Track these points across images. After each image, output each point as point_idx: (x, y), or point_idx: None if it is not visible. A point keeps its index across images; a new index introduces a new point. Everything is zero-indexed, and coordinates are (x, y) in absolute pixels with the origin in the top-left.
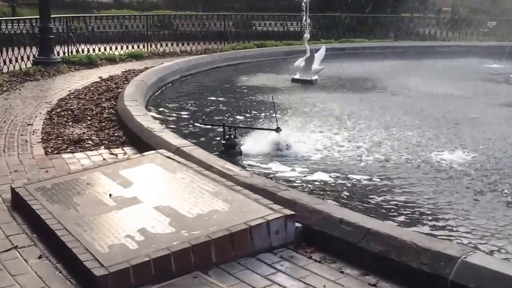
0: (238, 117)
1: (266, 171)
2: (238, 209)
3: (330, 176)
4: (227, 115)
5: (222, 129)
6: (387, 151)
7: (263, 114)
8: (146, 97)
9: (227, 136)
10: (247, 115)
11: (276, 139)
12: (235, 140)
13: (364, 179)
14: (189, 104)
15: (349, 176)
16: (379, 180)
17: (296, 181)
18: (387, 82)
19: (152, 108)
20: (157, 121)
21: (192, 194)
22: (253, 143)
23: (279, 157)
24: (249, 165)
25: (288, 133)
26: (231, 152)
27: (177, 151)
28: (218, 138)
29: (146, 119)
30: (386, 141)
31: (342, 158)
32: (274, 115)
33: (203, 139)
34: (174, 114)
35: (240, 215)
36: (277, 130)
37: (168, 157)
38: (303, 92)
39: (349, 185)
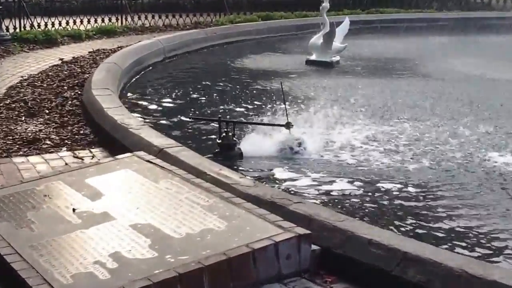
0: (237, 109)
1: (274, 179)
2: (238, 227)
3: (355, 185)
4: (223, 107)
5: (217, 125)
6: (427, 153)
7: (269, 106)
8: (120, 85)
9: (224, 134)
10: (249, 106)
11: (286, 137)
12: (234, 139)
13: (398, 189)
14: (175, 94)
15: (379, 185)
16: (417, 190)
17: (312, 192)
18: (428, 65)
19: (128, 98)
20: (134, 115)
21: (179, 209)
22: (257, 143)
23: (290, 160)
24: (251, 171)
25: (301, 130)
26: (228, 154)
27: (160, 153)
28: (212, 137)
29: (120, 113)
30: (427, 139)
31: (370, 162)
32: (283, 107)
33: (193, 138)
34: (156, 107)
35: (241, 236)
36: (287, 126)
37: (148, 161)
38: (320, 77)
39: (379, 196)
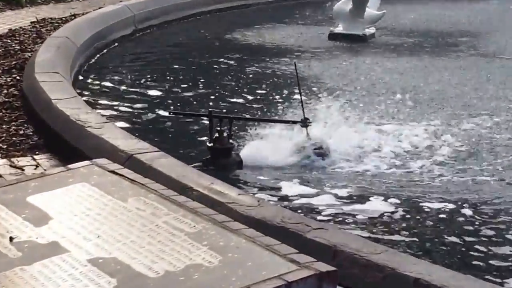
0: (235, 101)
1: (284, 196)
2: (236, 262)
3: (394, 205)
4: (215, 97)
5: (207, 123)
6: (490, 162)
7: (277, 97)
8: (74, 67)
9: (217, 135)
10: (251, 97)
11: (302, 139)
12: (231, 141)
13: (450, 209)
14: (151, 80)
15: (426, 204)
16: (475, 211)
17: (336, 214)
18: (494, 39)
19: (85, 86)
20: (95, 110)
21: (156, 237)
22: (262, 147)
23: (307, 170)
24: (254, 185)
25: (322, 130)
26: (223, 162)
27: (129, 161)
28: (201, 139)
29: (75, 106)
30: (493, 142)
31: (416, 174)
32: (297, 97)
33: (174, 140)
34: (124, 98)
35: (240, 274)
36: (304, 123)
37: (113, 171)
38: (348, 56)
39: (426, 220)
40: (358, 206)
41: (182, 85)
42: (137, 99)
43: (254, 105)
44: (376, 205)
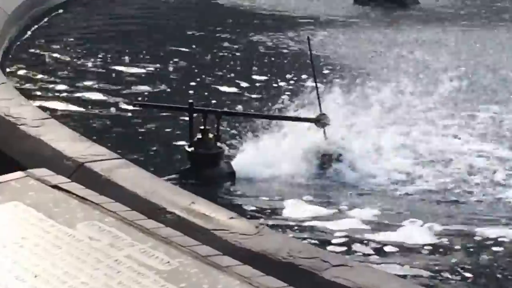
0: (225, 89)
1: (291, 220)
2: None
3: (433, 230)
4: (197, 84)
5: (187, 119)
6: None
7: (282, 84)
8: (3, 43)
9: (200, 136)
10: (247, 84)
11: (316, 143)
12: (219, 144)
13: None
14: (109, 59)
15: (477, 230)
16: None
17: (359, 243)
18: None
19: (18, 68)
20: (31, 102)
21: (115, 277)
22: (261, 153)
23: (322, 186)
24: (251, 205)
25: (342, 130)
26: (208, 173)
27: (79, 171)
28: (179, 142)
29: (4, 96)
30: None
31: (460, 190)
32: (311, 85)
33: (141, 143)
34: (72, 84)
35: None
36: (320, 121)
37: (56, 186)
38: (380, 27)
39: (478, 251)
40: (388, 234)
41: (151, 67)
42: (90, 87)
43: (250, 96)
44: (411, 232)
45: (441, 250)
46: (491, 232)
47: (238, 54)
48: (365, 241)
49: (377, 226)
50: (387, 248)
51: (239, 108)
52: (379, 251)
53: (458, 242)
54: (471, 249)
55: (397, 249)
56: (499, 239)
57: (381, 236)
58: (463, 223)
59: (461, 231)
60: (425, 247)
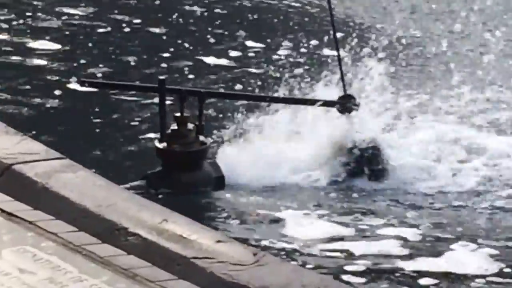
0: (210, 61)
1: (300, 242)
2: None
3: (490, 256)
4: (171, 54)
5: (157, 103)
6: None
7: (289, 53)
8: None
9: (175, 127)
10: (238, 54)
11: (338, 134)
12: (202, 138)
13: None
14: (51, 20)
15: None
16: None
17: (392, 273)
18: None
19: None
20: None
21: None
22: (261, 150)
23: (346, 196)
24: (246, 222)
25: (375, 118)
26: (187, 178)
27: (7, 175)
28: (146, 136)
29: None
30: None
31: None
32: (330, 53)
33: (94, 137)
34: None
35: None
36: (344, 105)
37: None
38: None
39: None
40: (428, 260)
41: (104, 30)
42: (21, 64)
43: (245, 70)
44: (459, 257)
45: (499, 281)
46: None
47: (225, 11)
48: (397, 270)
49: (413, 250)
50: (424, 281)
51: (230, 87)
52: (417, 282)
53: None
54: None
55: (437, 281)
56: None
57: (418, 264)
58: None
59: None
60: (477, 279)
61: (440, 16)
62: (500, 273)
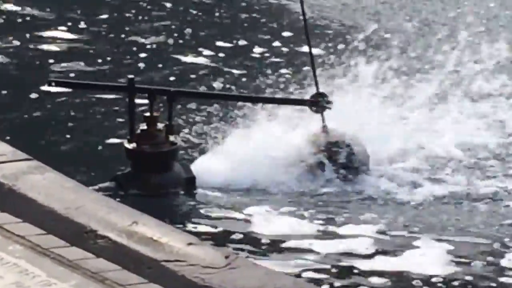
0: (182, 60)
1: (275, 245)
2: None
3: (466, 257)
4: (139, 51)
5: (127, 103)
6: None
7: (262, 51)
8: None
9: (145, 127)
10: (209, 53)
11: (311, 134)
12: (172, 138)
13: None
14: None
15: None
16: None
17: (362, 274)
18: None
19: None
20: None
21: None
22: (233, 151)
23: (316, 196)
24: (218, 225)
25: (349, 117)
26: (157, 180)
27: None
28: (115, 138)
29: None
30: None
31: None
32: (303, 49)
33: (62, 138)
34: None
35: None
36: (317, 103)
37: None
38: None
39: None
40: (390, 259)
41: (74, 31)
42: None
43: (217, 68)
44: (421, 256)
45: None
46: None
47: (200, 14)
48: (356, 269)
49: (376, 248)
50: (378, 279)
51: (201, 87)
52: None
53: (483, 270)
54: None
55: (394, 279)
56: None
57: (378, 262)
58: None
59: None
60: (433, 279)
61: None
62: (455, 274)
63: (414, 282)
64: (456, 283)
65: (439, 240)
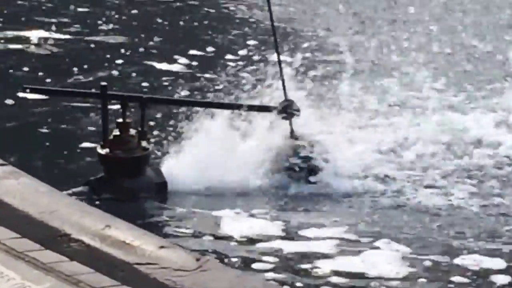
0: (155, 65)
1: (245, 247)
2: None
3: (417, 260)
4: (113, 58)
5: (99, 109)
6: None
7: (231, 58)
8: None
9: (117, 133)
10: (183, 60)
11: (279, 139)
12: (144, 144)
13: None
14: None
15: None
16: None
17: (334, 276)
18: None
19: None
20: None
21: None
22: (203, 155)
23: (282, 197)
24: (189, 227)
25: (314, 123)
26: (129, 184)
27: None
28: (88, 144)
29: None
30: None
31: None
32: (272, 58)
33: (37, 144)
34: None
35: None
36: (285, 110)
37: None
38: None
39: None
40: (349, 259)
41: (56, 33)
42: None
43: (188, 76)
44: (377, 257)
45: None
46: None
47: (169, 20)
48: (315, 269)
49: (336, 250)
50: (336, 279)
51: (173, 93)
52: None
53: (434, 272)
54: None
55: (348, 279)
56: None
57: (336, 263)
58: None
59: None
60: (386, 281)
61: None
62: (408, 273)
63: (371, 282)
64: (408, 281)
65: (396, 242)
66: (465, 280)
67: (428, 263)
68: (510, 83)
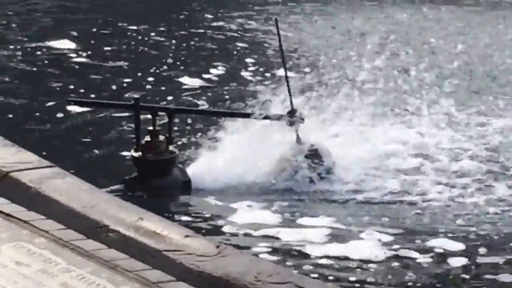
0: (179, 83)
1: (259, 238)
2: None
3: (398, 246)
4: (144, 75)
5: (133, 119)
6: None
7: (246, 74)
8: None
9: (148, 139)
10: (203, 77)
11: (287, 144)
12: (171, 148)
13: None
14: (35, 45)
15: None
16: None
17: (350, 269)
18: None
19: None
20: None
21: None
22: (223, 158)
23: (293, 197)
24: (210, 220)
25: (320, 129)
26: (159, 182)
27: (4, 182)
28: (124, 147)
29: None
30: None
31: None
32: (280, 73)
33: (79, 148)
34: None
35: None
36: (291, 118)
37: None
38: (365, 10)
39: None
40: (339, 246)
41: (87, 55)
42: (11, 81)
43: (208, 90)
44: (362, 244)
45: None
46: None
47: (192, 42)
48: (310, 255)
49: (329, 237)
50: (324, 261)
51: (196, 104)
52: (358, 272)
53: (413, 256)
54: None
55: (333, 261)
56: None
57: (327, 249)
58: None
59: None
60: (365, 264)
61: None
62: (385, 259)
63: (353, 263)
64: (383, 263)
65: (378, 232)
66: (429, 259)
67: (402, 250)
68: None
